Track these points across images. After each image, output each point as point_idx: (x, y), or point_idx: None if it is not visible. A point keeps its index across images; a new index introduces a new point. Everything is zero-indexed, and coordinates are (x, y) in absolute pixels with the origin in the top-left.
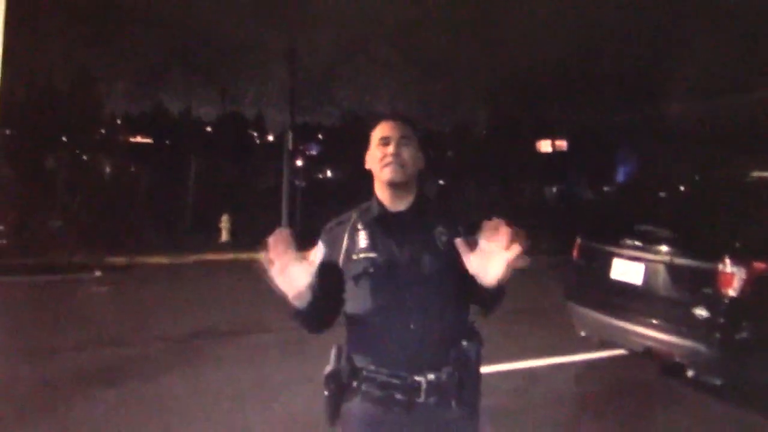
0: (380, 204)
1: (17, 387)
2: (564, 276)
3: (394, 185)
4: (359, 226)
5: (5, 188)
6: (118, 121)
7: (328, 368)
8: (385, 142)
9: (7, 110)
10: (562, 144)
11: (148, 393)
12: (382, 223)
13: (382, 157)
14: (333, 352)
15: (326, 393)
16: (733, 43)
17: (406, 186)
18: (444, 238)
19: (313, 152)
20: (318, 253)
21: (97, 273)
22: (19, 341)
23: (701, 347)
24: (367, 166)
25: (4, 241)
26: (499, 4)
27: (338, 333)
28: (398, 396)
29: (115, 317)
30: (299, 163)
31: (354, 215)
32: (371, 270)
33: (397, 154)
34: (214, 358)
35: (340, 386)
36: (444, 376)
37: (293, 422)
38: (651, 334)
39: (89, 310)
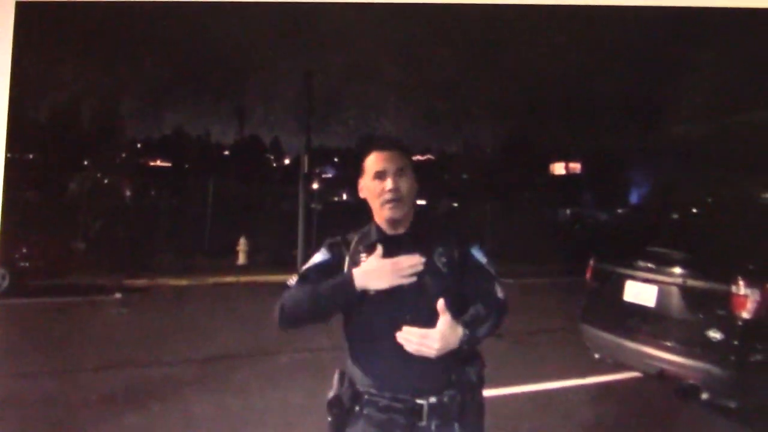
0: (378, 228)
1: (38, 409)
2: (578, 297)
3: (393, 221)
4: (360, 249)
5: (28, 211)
6: (138, 145)
7: (331, 393)
8: (380, 176)
9: (30, 134)
10: (576, 166)
11: (171, 415)
12: (382, 247)
13: (379, 192)
14: (336, 377)
15: (329, 418)
16: (745, 62)
17: (406, 215)
18: (444, 259)
19: (329, 175)
20: (320, 256)
21: (118, 295)
22: (41, 363)
23: (715, 369)
24: (362, 195)
25: (27, 264)
26: (509, 26)
27: None
28: (400, 419)
29: (135, 339)
30: (315, 186)
31: (355, 238)
32: (371, 293)
33: (395, 189)
34: (236, 380)
35: (342, 411)
36: (446, 399)
37: None
38: (665, 356)
39: (110, 332)
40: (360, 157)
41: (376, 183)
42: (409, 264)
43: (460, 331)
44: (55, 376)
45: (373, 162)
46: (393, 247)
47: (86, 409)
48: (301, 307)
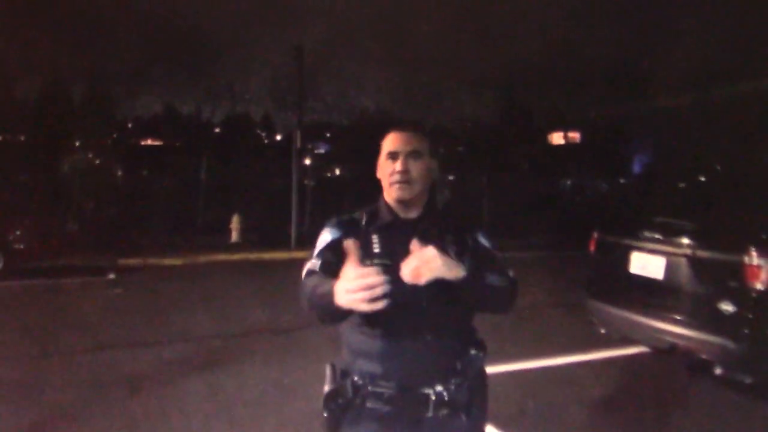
0: (390, 210)
1: (34, 391)
2: (583, 271)
3: (402, 202)
4: (371, 230)
5: (21, 193)
6: (130, 125)
7: (327, 388)
8: (392, 156)
9: (21, 116)
10: (575, 135)
11: (166, 395)
12: (395, 230)
13: (390, 173)
14: (328, 371)
15: (325, 414)
16: (753, 29)
17: (416, 198)
18: (454, 247)
19: (322, 151)
20: (331, 234)
21: (111, 275)
22: (35, 344)
23: (729, 343)
24: (378, 175)
25: (21, 246)
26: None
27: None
28: (405, 411)
29: (130, 319)
30: (308, 161)
31: (364, 217)
32: (387, 278)
33: (404, 171)
34: (230, 359)
35: (341, 405)
36: (453, 387)
37: (309, 424)
38: (675, 330)
39: (104, 312)
40: (378, 135)
41: (389, 163)
42: (373, 282)
43: (462, 266)
44: (50, 359)
45: (388, 142)
46: (406, 231)
47: (81, 390)
48: (314, 305)
